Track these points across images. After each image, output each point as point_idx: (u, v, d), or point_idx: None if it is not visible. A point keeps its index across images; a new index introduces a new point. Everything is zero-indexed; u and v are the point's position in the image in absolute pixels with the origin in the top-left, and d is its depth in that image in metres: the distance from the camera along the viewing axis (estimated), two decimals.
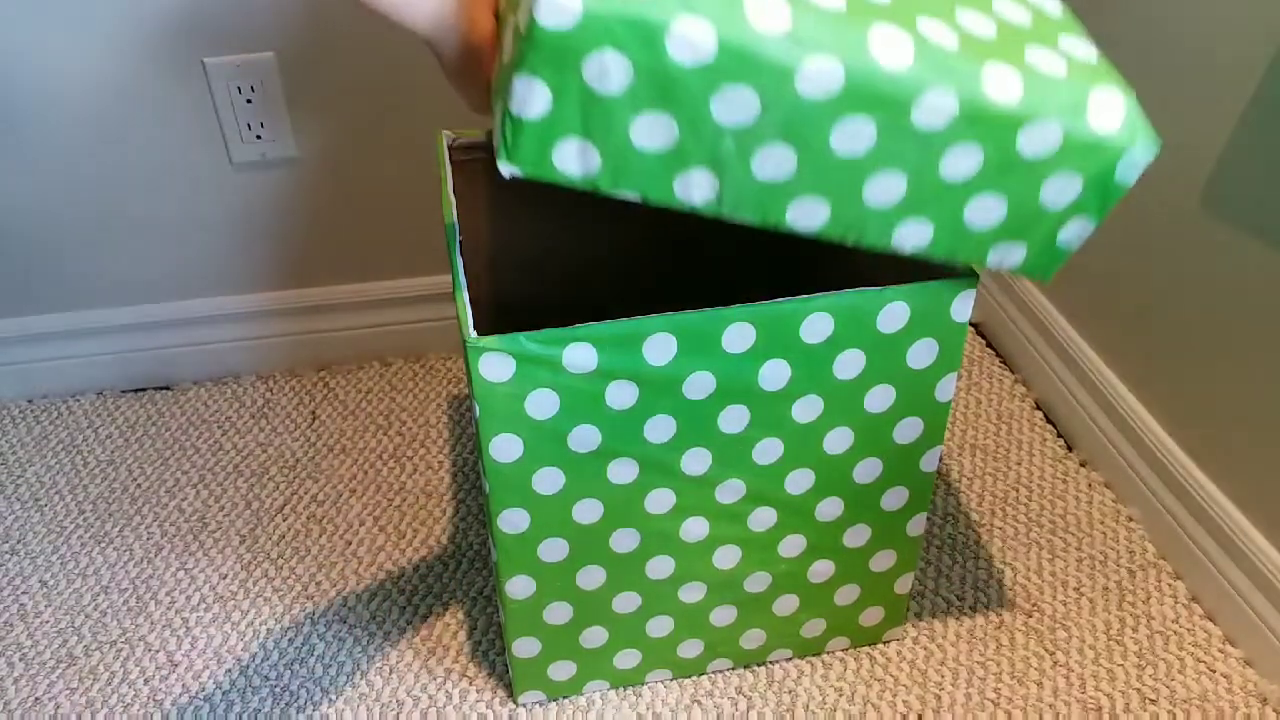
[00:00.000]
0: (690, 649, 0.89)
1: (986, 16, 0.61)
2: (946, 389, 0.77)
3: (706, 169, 0.59)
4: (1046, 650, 0.94)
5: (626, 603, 0.84)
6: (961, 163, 0.60)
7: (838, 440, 0.78)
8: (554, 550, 0.78)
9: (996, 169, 0.61)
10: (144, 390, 1.28)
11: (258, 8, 1.07)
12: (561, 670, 0.87)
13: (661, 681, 0.91)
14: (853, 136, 0.58)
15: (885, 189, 0.61)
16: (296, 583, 1.02)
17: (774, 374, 0.72)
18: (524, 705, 0.89)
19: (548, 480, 0.74)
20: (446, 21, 0.61)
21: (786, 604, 0.88)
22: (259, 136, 1.14)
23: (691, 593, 0.84)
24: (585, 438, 0.72)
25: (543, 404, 0.70)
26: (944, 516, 1.07)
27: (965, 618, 0.97)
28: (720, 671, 0.92)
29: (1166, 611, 0.97)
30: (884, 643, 0.94)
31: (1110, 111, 0.60)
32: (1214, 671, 0.91)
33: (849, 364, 0.73)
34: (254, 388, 1.28)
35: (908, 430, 0.79)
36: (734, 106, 0.56)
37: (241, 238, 1.21)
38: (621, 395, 0.71)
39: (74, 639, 0.96)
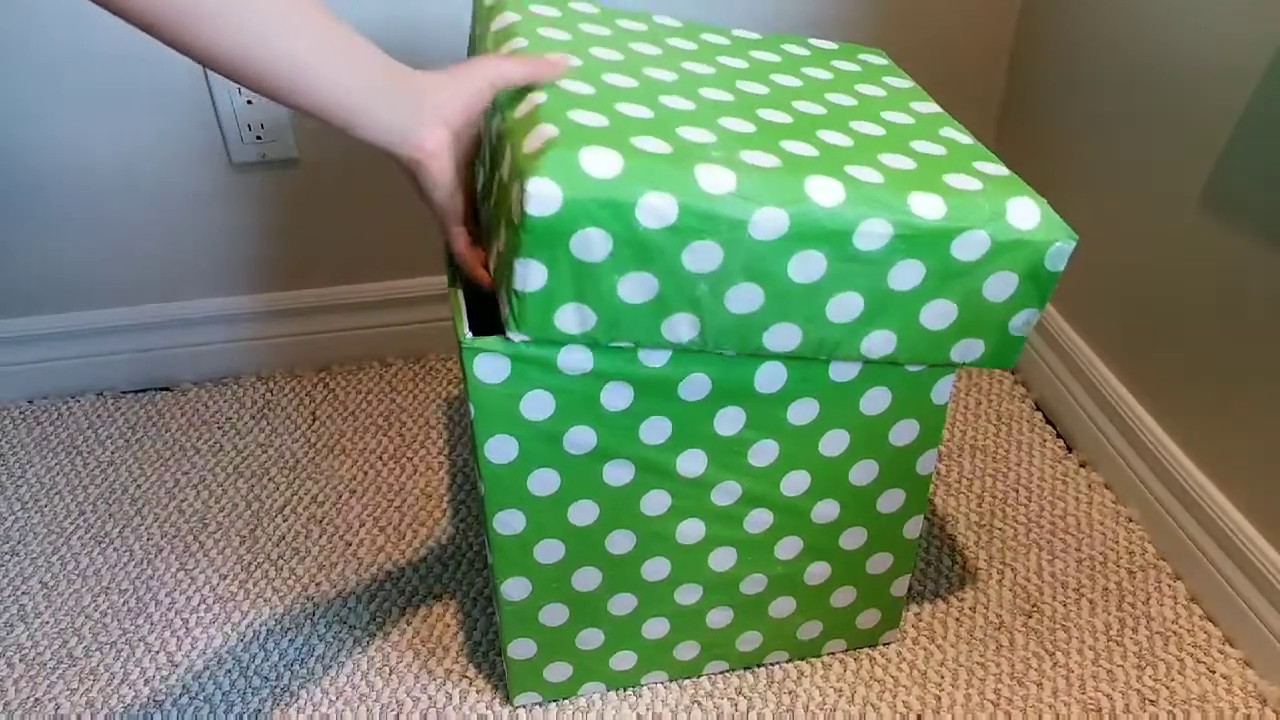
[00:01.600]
0: (686, 651, 0.89)
1: (905, 156, 0.71)
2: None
3: (688, 312, 0.67)
4: (1046, 651, 0.94)
5: (623, 604, 0.84)
6: (907, 276, 0.68)
7: (834, 442, 0.78)
8: (550, 552, 0.78)
9: (939, 277, 0.69)
10: (144, 391, 1.28)
11: None
12: (558, 672, 0.87)
13: (659, 683, 0.91)
14: (807, 267, 0.66)
15: (845, 307, 0.69)
16: (296, 583, 1.02)
17: (770, 376, 0.73)
18: (523, 707, 0.89)
19: (543, 481, 0.74)
20: (408, 143, 0.64)
21: (783, 606, 0.88)
22: (259, 137, 1.14)
23: (688, 594, 0.84)
24: (581, 439, 0.72)
25: (538, 405, 0.70)
26: (944, 517, 1.07)
27: (965, 618, 0.97)
28: (718, 674, 0.92)
29: (1166, 612, 0.97)
30: (881, 645, 0.94)
31: (1027, 214, 0.68)
32: (1214, 672, 0.91)
33: (845, 369, 0.74)
34: (254, 388, 1.28)
35: (904, 431, 0.79)
36: (701, 257, 0.64)
37: (241, 238, 1.21)
38: (617, 397, 0.71)
39: (74, 640, 0.97)
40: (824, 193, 0.65)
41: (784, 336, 0.69)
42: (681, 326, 0.67)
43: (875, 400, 0.76)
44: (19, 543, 1.07)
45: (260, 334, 1.27)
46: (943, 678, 0.91)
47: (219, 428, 1.21)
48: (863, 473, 0.80)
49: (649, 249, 0.64)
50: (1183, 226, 0.96)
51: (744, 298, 0.67)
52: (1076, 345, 1.15)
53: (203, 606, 0.99)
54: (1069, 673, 0.92)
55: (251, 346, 1.28)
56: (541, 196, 0.60)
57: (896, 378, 0.75)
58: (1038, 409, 1.21)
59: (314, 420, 1.22)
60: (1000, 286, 0.70)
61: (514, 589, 0.80)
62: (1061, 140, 1.14)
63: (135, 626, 0.98)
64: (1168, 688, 0.90)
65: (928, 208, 0.66)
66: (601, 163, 0.62)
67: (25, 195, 1.15)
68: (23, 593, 1.01)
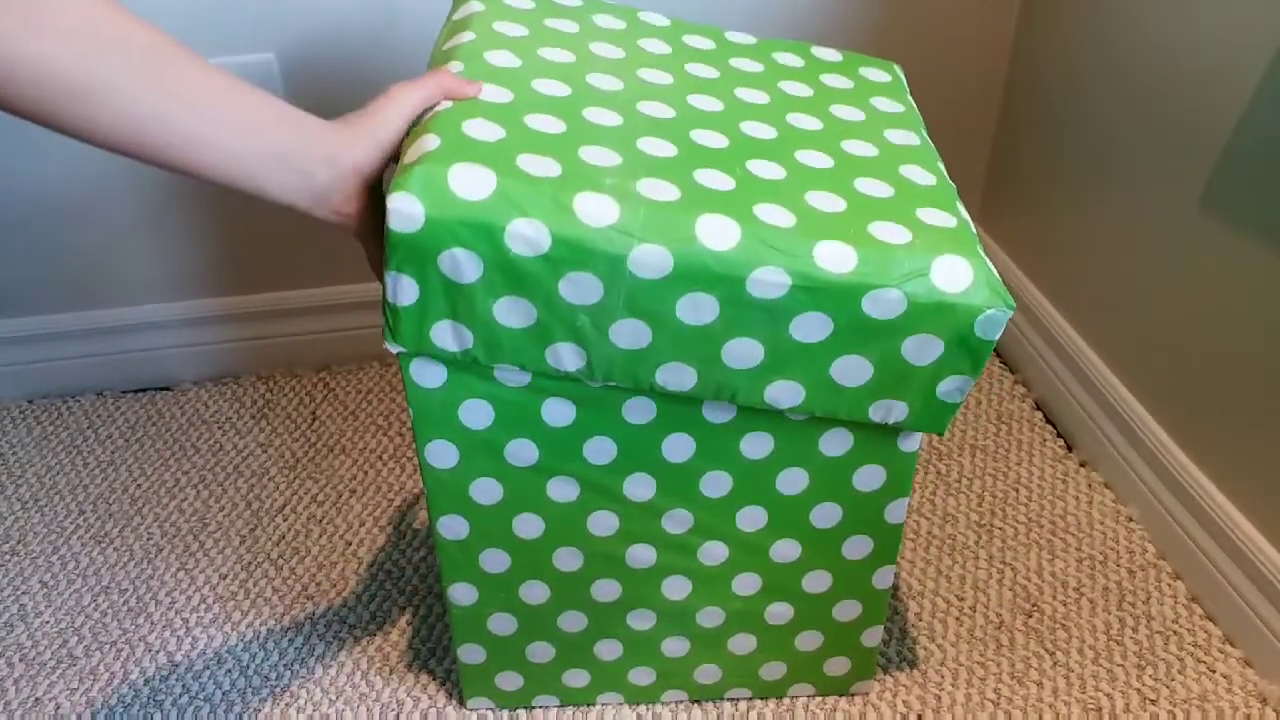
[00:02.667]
0: (641, 676, 0.86)
1: (840, 195, 0.67)
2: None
3: (571, 342, 0.65)
4: (1046, 650, 0.94)
5: (573, 622, 0.82)
6: (811, 328, 0.64)
7: (791, 481, 0.74)
8: (495, 561, 0.77)
9: (850, 333, 0.65)
10: (144, 391, 1.28)
11: (258, 9, 1.07)
12: (509, 681, 0.86)
13: (615, 704, 0.89)
14: (696, 309, 0.63)
15: (743, 353, 0.65)
16: (296, 583, 1.02)
17: (718, 405, 0.70)
18: (475, 710, 0.88)
19: (486, 491, 0.73)
20: (327, 206, 0.62)
21: (743, 643, 0.84)
22: None
23: (640, 620, 0.82)
24: (522, 453, 0.71)
25: (477, 414, 0.69)
26: (944, 516, 1.07)
27: (965, 617, 0.97)
28: (679, 703, 0.89)
29: (1166, 612, 0.97)
30: (850, 695, 0.89)
31: (956, 275, 0.63)
32: (1214, 672, 0.91)
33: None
34: (254, 388, 1.28)
35: (869, 477, 0.75)
36: (579, 289, 0.62)
37: (241, 238, 1.21)
38: (558, 412, 0.70)
39: (74, 639, 0.97)
40: (716, 234, 0.61)
41: (678, 376, 0.66)
42: (566, 355, 0.65)
43: (834, 442, 0.72)
44: (19, 542, 1.07)
45: (260, 334, 1.27)
46: (943, 677, 0.91)
47: (219, 428, 1.21)
48: (825, 515, 0.76)
49: (522, 276, 0.62)
50: (1183, 228, 0.96)
51: (630, 333, 0.64)
52: (1076, 344, 1.15)
53: (203, 606, 0.99)
54: (1069, 672, 0.92)
55: (251, 346, 1.28)
56: (402, 213, 0.59)
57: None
58: (1038, 408, 1.21)
59: (314, 420, 1.22)
60: (922, 349, 0.65)
61: (461, 594, 0.79)
62: (1063, 142, 1.14)
63: (135, 626, 0.98)
64: (1168, 687, 0.90)
65: (834, 259, 0.62)
66: (472, 182, 0.60)
67: (25, 194, 1.15)
68: (23, 592, 1.01)
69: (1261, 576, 0.89)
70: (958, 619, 0.97)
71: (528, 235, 0.60)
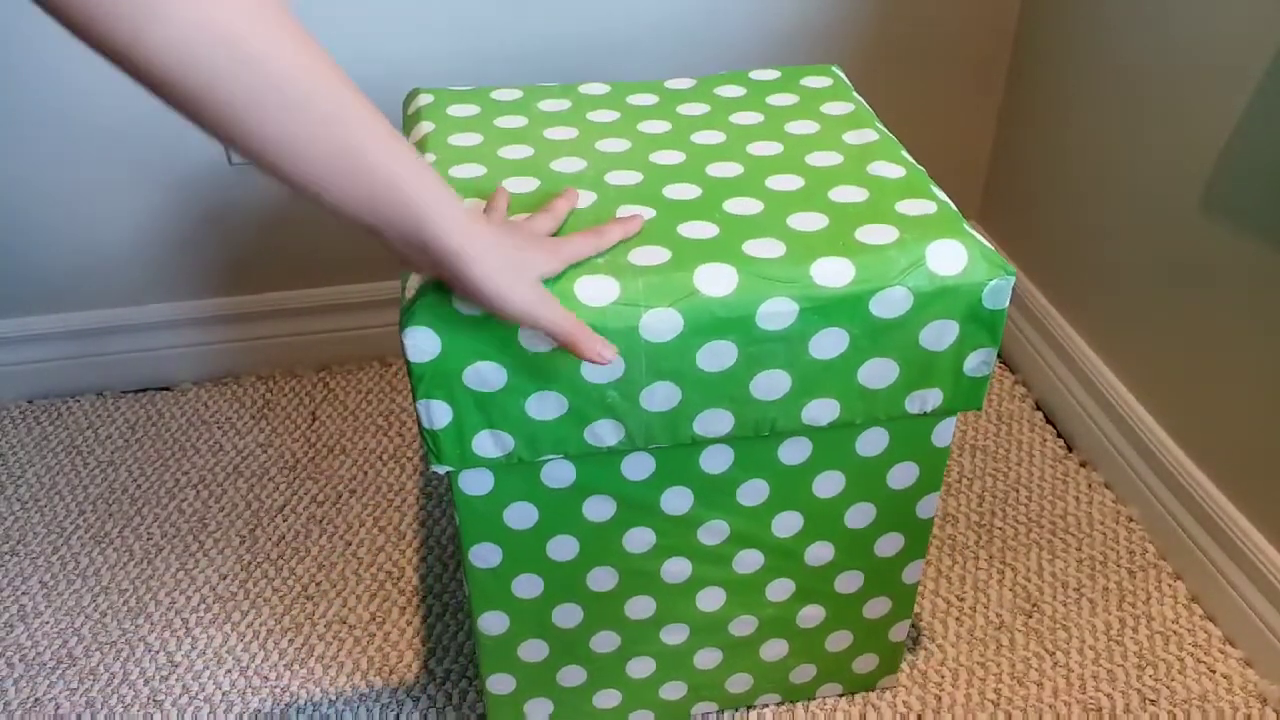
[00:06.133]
0: (673, 691, 0.86)
1: (820, 212, 0.69)
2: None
3: (607, 419, 0.66)
4: (1047, 651, 0.94)
5: (605, 642, 0.81)
6: (829, 345, 0.66)
7: (828, 484, 0.75)
8: (529, 587, 0.76)
9: (868, 338, 0.66)
10: (144, 391, 1.28)
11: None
12: (538, 709, 0.85)
13: None
14: (717, 356, 0.65)
15: (771, 386, 0.67)
16: (296, 583, 1.02)
17: None
18: None
19: (521, 515, 0.72)
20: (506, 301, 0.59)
21: (775, 649, 0.85)
22: None
23: (674, 635, 0.82)
24: (560, 473, 0.71)
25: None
26: (944, 517, 1.07)
27: (965, 618, 0.97)
28: (707, 714, 0.89)
29: (1166, 612, 0.97)
30: (878, 690, 0.90)
31: (951, 258, 0.65)
32: (1214, 672, 0.91)
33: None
34: (254, 388, 1.28)
35: (903, 475, 0.76)
36: (601, 368, 0.64)
37: (240, 238, 1.21)
38: (599, 430, 0.70)
39: (74, 640, 0.97)
40: (715, 283, 0.63)
41: (715, 422, 0.68)
42: (604, 431, 0.67)
43: (871, 442, 0.73)
44: (19, 542, 1.07)
45: (260, 334, 1.27)
46: (943, 678, 0.91)
47: (219, 428, 1.21)
48: (859, 516, 0.77)
49: (544, 369, 0.64)
50: (1183, 227, 0.96)
51: (659, 396, 0.66)
52: (1076, 344, 1.15)
53: (202, 606, 0.99)
54: (1069, 672, 0.92)
55: (251, 346, 1.28)
56: (419, 347, 0.62)
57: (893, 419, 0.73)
58: (1038, 408, 1.21)
59: (314, 420, 1.22)
60: (939, 335, 0.67)
61: (492, 623, 0.78)
62: (1062, 142, 1.14)
63: (135, 626, 0.98)
64: (1168, 687, 0.90)
65: (833, 275, 0.64)
66: None
67: (24, 193, 1.15)
68: (22, 593, 1.01)
69: (1262, 577, 0.89)
70: (958, 619, 0.97)
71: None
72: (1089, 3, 1.07)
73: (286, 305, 1.26)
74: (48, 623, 0.98)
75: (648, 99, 0.85)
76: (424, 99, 0.85)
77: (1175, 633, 0.95)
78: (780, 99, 0.84)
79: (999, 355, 1.30)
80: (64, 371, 1.25)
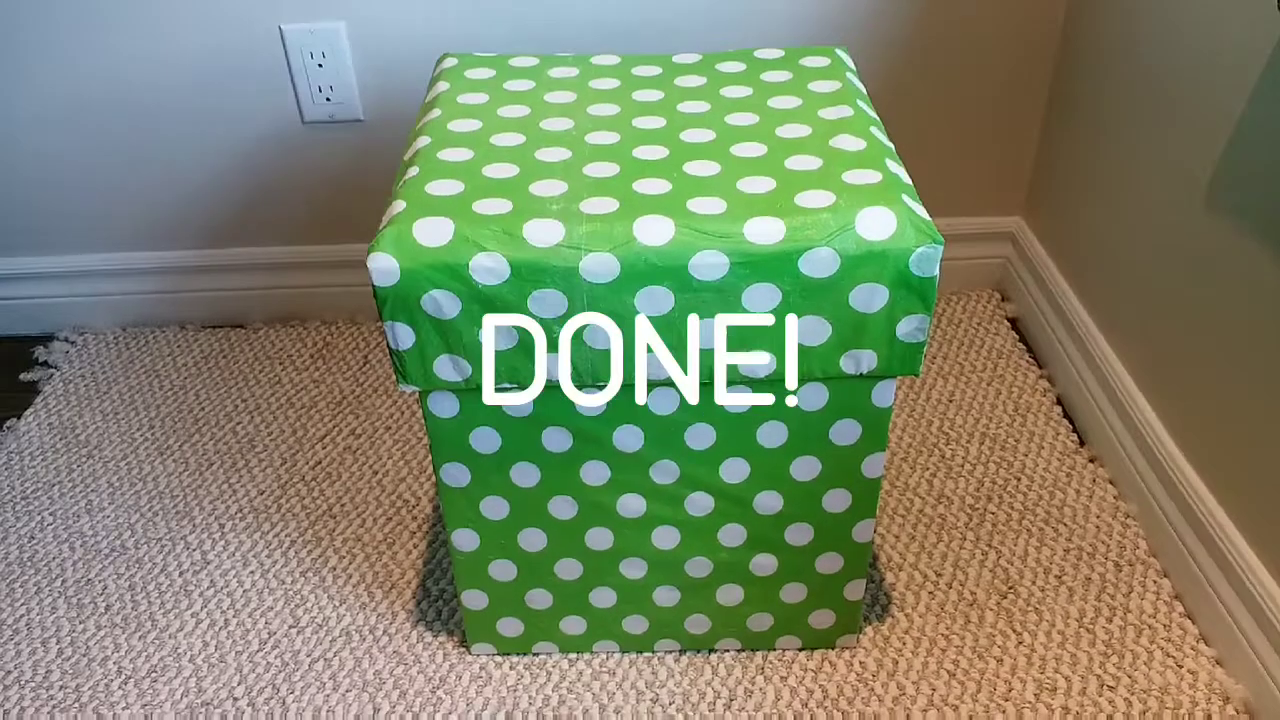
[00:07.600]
0: (635, 625, 0.91)
1: (770, 177, 0.74)
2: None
3: (553, 354, 0.73)
4: (1014, 630, 0.95)
5: (569, 569, 0.87)
6: (761, 298, 0.71)
7: (770, 434, 0.79)
8: (495, 508, 0.83)
9: (799, 295, 0.71)
10: (220, 328, 1.41)
11: None
12: (510, 627, 0.91)
13: (608, 653, 0.94)
14: (654, 300, 0.71)
15: (709, 334, 0.72)
16: (324, 503, 1.12)
17: None
18: (477, 656, 0.94)
19: (485, 440, 0.79)
20: None
21: (730, 594, 0.89)
22: (329, 99, 1.24)
23: (632, 569, 0.87)
24: (516, 408, 0.78)
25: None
26: (939, 497, 1.09)
27: (939, 592, 0.99)
28: (670, 652, 0.94)
29: (1146, 606, 0.97)
30: (835, 648, 0.93)
31: (879, 224, 0.69)
32: (1180, 666, 0.91)
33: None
34: (317, 331, 1.39)
35: (845, 431, 0.79)
36: (546, 304, 0.71)
37: (311, 192, 1.32)
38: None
39: (127, 533, 1.09)
40: (652, 232, 0.69)
41: (657, 365, 0.74)
42: (553, 365, 0.73)
43: (810, 398, 0.77)
44: (95, 448, 1.20)
45: (327, 282, 1.39)
46: (904, 644, 0.94)
47: (280, 363, 1.33)
48: (805, 469, 0.81)
49: (495, 302, 0.70)
50: (1185, 225, 0.96)
51: (601, 335, 0.72)
52: (1098, 343, 1.14)
53: (239, 515, 1.10)
54: (1032, 652, 0.93)
55: (319, 293, 1.39)
56: (381, 270, 0.69)
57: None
58: (1058, 404, 1.21)
59: (365, 364, 1.33)
60: (869, 298, 0.71)
61: (463, 540, 0.86)
62: (1099, 143, 1.14)
63: (179, 527, 1.09)
64: (1130, 676, 0.90)
65: (764, 233, 0.69)
66: (434, 231, 0.70)
67: (133, 137, 1.28)
68: (92, 490, 1.15)
69: (1243, 585, 0.88)
70: (931, 593, 0.99)
71: (489, 266, 0.69)
72: (1088, 3, 1.07)
73: (352, 257, 1.37)
74: (109, 517, 1.11)
75: (652, 70, 0.90)
76: (449, 62, 0.93)
77: (1150, 626, 0.95)
78: (774, 75, 0.88)
79: (1028, 350, 1.30)
80: (153, 304, 1.40)
